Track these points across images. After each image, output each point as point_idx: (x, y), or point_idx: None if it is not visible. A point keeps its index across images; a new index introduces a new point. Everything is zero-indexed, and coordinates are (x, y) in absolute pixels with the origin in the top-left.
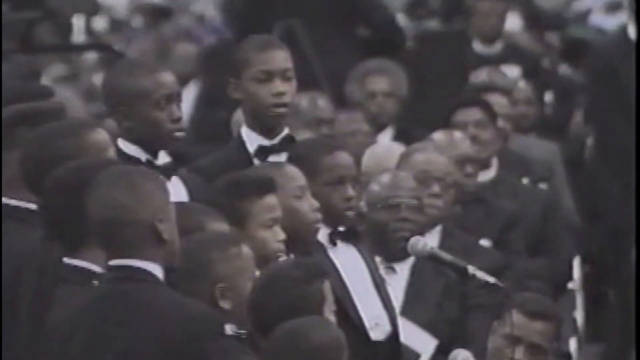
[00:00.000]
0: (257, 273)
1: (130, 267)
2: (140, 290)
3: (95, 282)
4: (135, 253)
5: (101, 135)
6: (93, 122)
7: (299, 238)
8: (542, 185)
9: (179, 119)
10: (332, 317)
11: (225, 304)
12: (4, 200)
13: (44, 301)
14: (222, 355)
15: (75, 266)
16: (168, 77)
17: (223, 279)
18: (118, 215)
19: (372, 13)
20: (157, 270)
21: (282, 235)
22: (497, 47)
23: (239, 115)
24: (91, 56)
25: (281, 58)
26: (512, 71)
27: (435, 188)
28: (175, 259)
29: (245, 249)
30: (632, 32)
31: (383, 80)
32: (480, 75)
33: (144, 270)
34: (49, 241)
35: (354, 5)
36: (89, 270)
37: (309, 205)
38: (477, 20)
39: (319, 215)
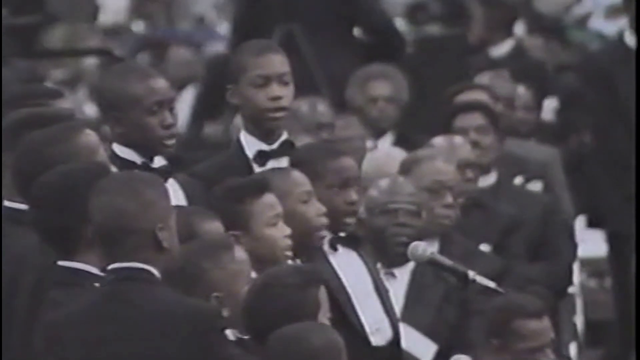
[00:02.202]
0: (254, 276)
1: (129, 268)
2: (140, 290)
3: (96, 284)
4: (135, 258)
5: (90, 136)
6: (81, 125)
7: (305, 242)
8: (537, 184)
9: (170, 126)
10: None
11: (223, 312)
12: (6, 203)
13: (42, 303)
14: (225, 347)
15: (71, 268)
16: (161, 83)
17: (218, 287)
18: (120, 223)
19: (371, 17)
20: (156, 272)
21: (288, 230)
22: (498, 51)
23: (238, 120)
24: (92, 61)
25: (278, 62)
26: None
27: (449, 199)
28: (174, 265)
29: (239, 253)
30: (629, 38)
31: (385, 85)
32: (482, 79)
33: (144, 270)
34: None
35: (354, 10)
36: (86, 272)
37: (315, 210)
38: (471, 25)
39: (324, 220)
